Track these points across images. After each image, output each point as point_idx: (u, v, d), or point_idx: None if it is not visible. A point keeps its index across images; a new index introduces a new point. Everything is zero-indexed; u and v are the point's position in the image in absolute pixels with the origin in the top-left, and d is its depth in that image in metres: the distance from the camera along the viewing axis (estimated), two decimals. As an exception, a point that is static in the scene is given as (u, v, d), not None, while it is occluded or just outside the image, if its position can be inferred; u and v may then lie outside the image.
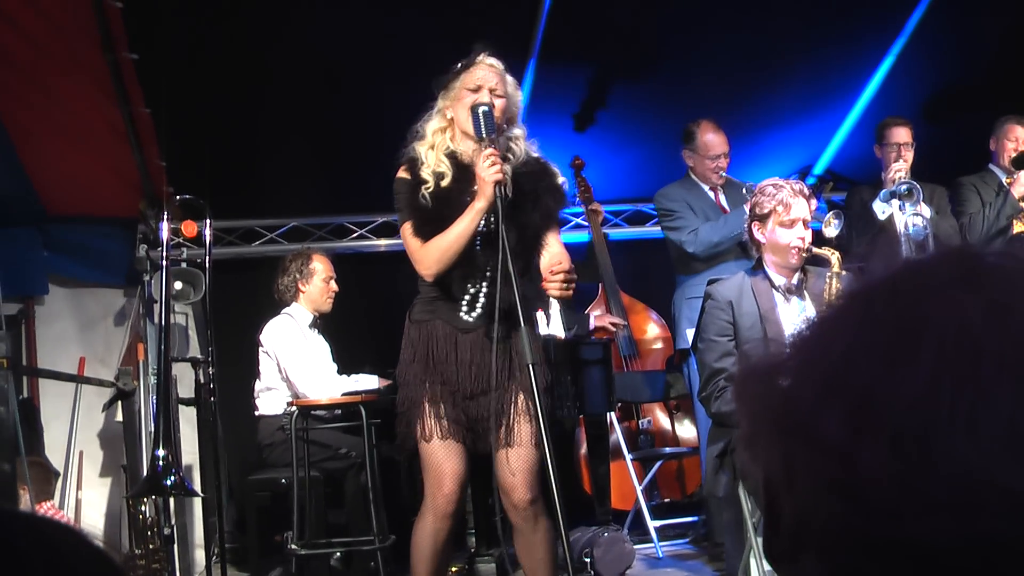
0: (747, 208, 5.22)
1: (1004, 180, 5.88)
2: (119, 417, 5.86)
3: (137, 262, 6.25)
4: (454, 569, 5.08)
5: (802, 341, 0.76)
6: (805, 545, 0.72)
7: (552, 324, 5.70)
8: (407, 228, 3.53)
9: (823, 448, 0.69)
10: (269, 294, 5.79)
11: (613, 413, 5.84)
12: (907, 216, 5.52)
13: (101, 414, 6.14)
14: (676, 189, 5.76)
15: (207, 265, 5.16)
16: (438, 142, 3.54)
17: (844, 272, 4.13)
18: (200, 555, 6.00)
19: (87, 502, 6.11)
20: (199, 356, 5.78)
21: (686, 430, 6.52)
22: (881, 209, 5.64)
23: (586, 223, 6.64)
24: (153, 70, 5.16)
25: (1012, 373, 0.66)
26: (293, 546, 4.92)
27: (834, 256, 4.16)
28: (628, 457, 6.01)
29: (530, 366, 3.23)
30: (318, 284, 5.72)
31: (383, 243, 6.88)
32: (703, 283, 5.10)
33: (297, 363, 5.53)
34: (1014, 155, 5.82)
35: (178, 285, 5.75)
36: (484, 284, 3.51)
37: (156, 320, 5.68)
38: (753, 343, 4.00)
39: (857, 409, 0.69)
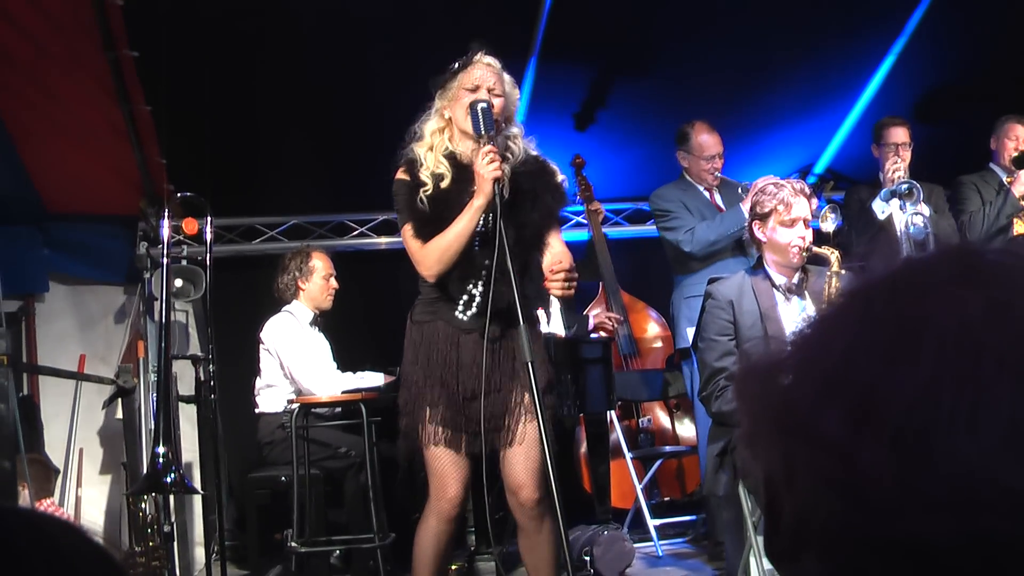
0: (743, 206, 5.26)
1: (1004, 179, 5.88)
2: (119, 415, 5.86)
3: (137, 260, 6.24)
4: (454, 567, 5.08)
5: (802, 339, 0.76)
6: (806, 544, 0.72)
7: (552, 323, 5.70)
8: (407, 230, 3.51)
9: (823, 446, 0.69)
10: (269, 292, 5.80)
11: (613, 412, 5.84)
12: (908, 215, 5.52)
13: (101, 412, 6.14)
14: (671, 190, 5.76)
15: (208, 263, 5.16)
16: (436, 143, 3.53)
17: (844, 271, 4.13)
18: (200, 553, 6.00)
19: (87, 499, 6.12)
20: (199, 354, 5.79)
21: (686, 429, 6.52)
22: (880, 208, 5.64)
23: (586, 222, 6.63)
24: (154, 68, 5.16)
25: (1013, 371, 0.66)
26: (293, 544, 4.92)
27: (834, 255, 4.16)
28: (628, 456, 6.01)
29: (528, 364, 3.22)
30: (318, 282, 5.73)
31: (383, 241, 6.89)
32: (701, 282, 5.11)
33: (302, 360, 5.53)
34: (1015, 154, 5.82)
35: (178, 283, 5.75)
36: (481, 284, 3.50)
37: (156, 318, 5.68)
38: (754, 342, 4.01)
39: (857, 407, 0.69)
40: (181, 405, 5.64)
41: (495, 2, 5.81)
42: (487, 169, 3.33)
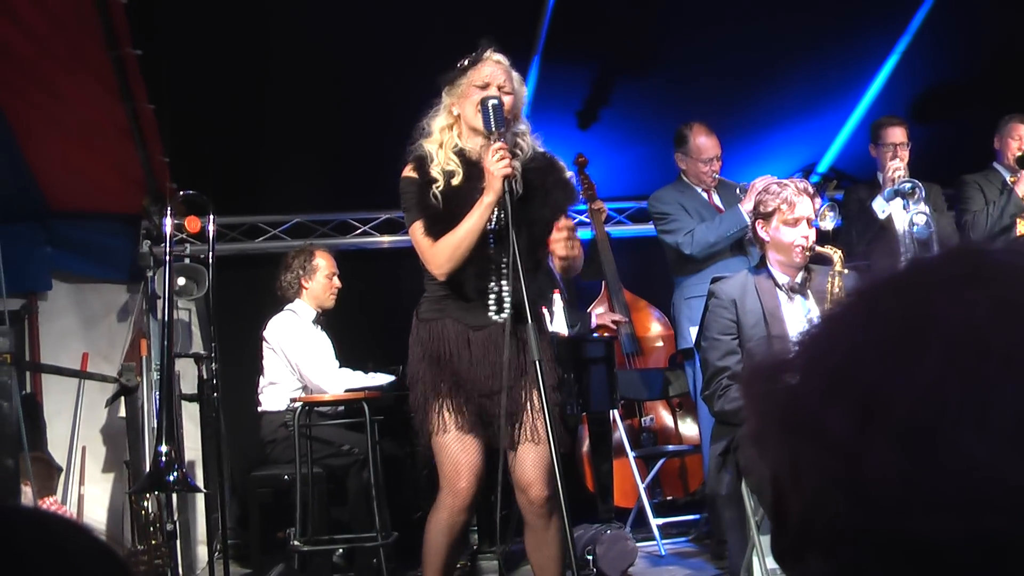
0: (742, 207, 5.26)
1: (1008, 179, 5.88)
2: (122, 413, 5.86)
3: (140, 258, 6.24)
4: (457, 565, 5.08)
5: (809, 339, 0.76)
6: (811, 543, 0.72)
7: (555, 322, 5.70)
8: (417, 228, 3.48)
9: (829, 446, 0.69)
10: (272, 290, 5.80)
11: (616, 411, 5.84)
12: (911, 215, 5.52)
13: (104, 410, 6.15)
14: (669, 192, 5.75)
15: (211, 261, 5.16)
16: (446, 139, 3.51)
17: (846, 271, 4.13)
18: (202, 551, 6.00)
19: (89, 498, 6.12)
20: (202, 352, 5.78)
21: (689, 428, 6.52)
22: (881, 208, 5.64)
23: (589, 221, 6.63)
24: (156, 66, 5.16)
25: (1019, 371, 0.66)
26: (295, 542, 4.92)
27: (837, 255, 4.16)
28: (631, 455, 6.01)
29: (537, 362, 3.22)
30: (321, 280, 5.73)
31: (386, 239, 6.89)
32: (701, 282, 5.12)
33: (309, 358, 5.53)
34: (1018, 154, 5.82)
35: (181, 281, 5.76)
36: (503, 282, 3.47)
37: (159, 316, 5.68)
38: (757, 341, 4.01)
39: (863, 406, 0.69)
40: (184, 403, 5.65)
41: (499, 2, 5.81)
42: (497, 166, 3.32)
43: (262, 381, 5.67)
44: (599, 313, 6.43)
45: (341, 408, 5.41)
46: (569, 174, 3.65)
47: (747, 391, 0.79)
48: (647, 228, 6.97)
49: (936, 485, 0.66)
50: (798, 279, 4.20)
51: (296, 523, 4.95)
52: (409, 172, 3.54)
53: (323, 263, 5.76)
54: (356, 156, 6.35)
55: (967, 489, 0.65)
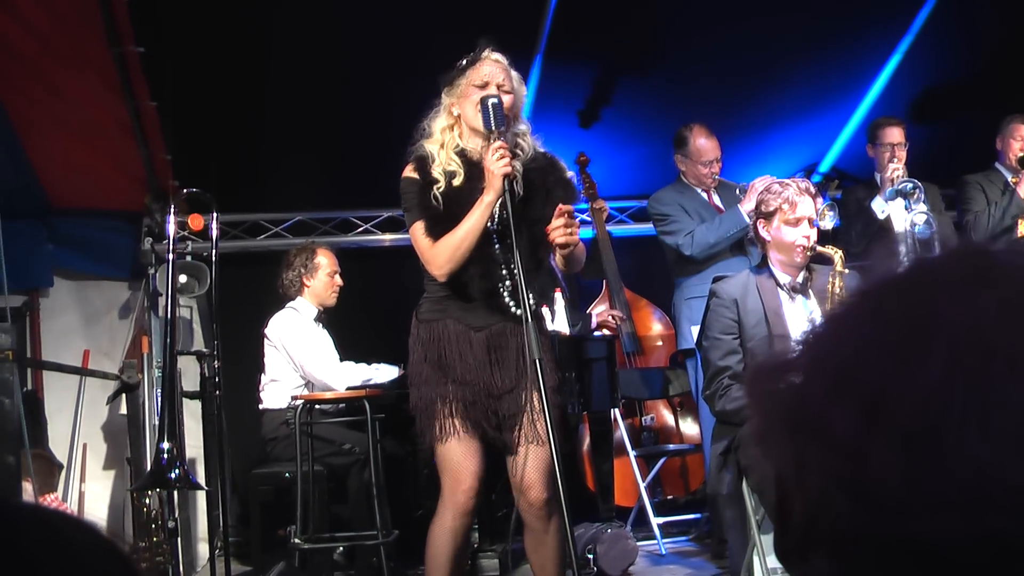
0: (741, 207, 5.26)
1: (1010, 179, 5.88)
2: (123, 410, 5.87)
3: (142, 255, 6.25)
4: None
5: (813, 338, 0.76)
6: (815, 543, 0.72)
7: (556, 321, 5.70)
8: (418, 228, 3.47)
9: (833, 445, 0.69)
10: (273, 288, 5.80)
11: (617, 410, 5.84)
12: (913, 215, 5.52)
13: (105, 407, 6.15)
14: (669, 193, 5.75)
15: (213, 259, 5.16)
16: (447, 140, 3.50)
17: (847, 271, 4.14)
18: (203, 548, 6.01)
19: (90, 495, 6.13)
20: (204, 350, 5.79)
21: (689, 427, 6.52)
22: (880, 208, 5.65)
23: (590, 220, 6.63)
24: (159, 64, 5.17)
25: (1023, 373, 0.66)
26: (296, 540, 4.93)
27: (837, 255, 4.16)
28: (632, 454, 6.02)
29: (537, 362, 3.21)
30: (323, 278, 5.73)
31: (388, 238, 6.89)
32: (701, 283, 5.12)
33: (312, 355, 5.54)
34: (1020, 154, 5.82)
35: (183, 279, 5.76)
36: (515, 279, 3.46)
37: (161, 313, 5.68)
38: (758, 341, 4.01)
39: (868, 407, 0.69)
40: (185, 401, 5.65)
41: (502, 2, 5.81)
42: (497, 165, 3.31)
43: (263, 379, 5.67)
44: (599, 311, 6.43)
45: (342, 406, 5.41)
46: (570, 174, 3.64)
47: (751, 390, 0.79)
48: (648, 227, 6.96)
49: (940, 486, 0.66)
50: (800, 279, 4.20)
51: (297, 521, 4.95)
52: (410, 172, 3.53)
53: (325, 261, 5.75)
54: (358, 154, 6.35)
55: (971, 490, 0.65)
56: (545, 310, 3.85)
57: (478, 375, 3.46)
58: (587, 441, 6.04)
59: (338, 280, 5.80)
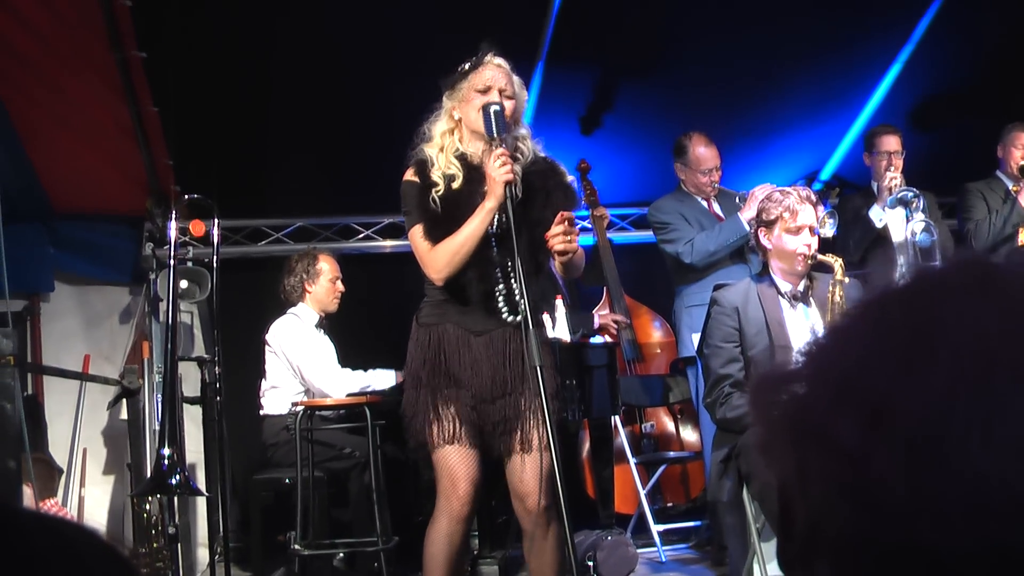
0: (741, 215, 5.27)
1: (1011, 188, 5.87)
2: (123, 415, 5.87)
3: (143, 260, 6.25)
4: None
5: (816, 348, 0.77)
6: (818, 551, 0.72)
7: (557, 327, 5.70)
8: (417, 232, 3.47)
9: (837, 454, 0.70)
10: (275, 294, 5.80)
11: (617, 417, 5.84)
12: (913, 223, 5.51)
13: (105, 412, 6.15)
14: (669, 201, 5.75)
15: (214, 264, 5.16)
16: (447, 144, 3.50)
17: (847, 279, 4.14)
18: (203, 554, 6.01)
19: (90, 499, 6.12)
20: (204, 355, 5.79)
21: (690, 434, 6.52)
22: (878, 216, 5.65)
23: (591, 227, 6.63)
24: (161, 69, 5.17)
25: (1026, 382, 0.67)
26: (296, 546, 4.92)
27: (838, 263, 4.16)
28: (632, 461, 6.01)
29: (538, 369, 3.21)
30: (324, 284, 5.73)
31: (389, 244, 6.89)
32: (702, 291, 5.12)
33: (312, 361, 5.54)
34: (1021, 162, 5.82)
35: (183, 284, 5.76)
36: (511, 283, 3.45)
37: (162, 319, 5.68)
38: (760, 350, 4.01)
39: (871, 415, 0.69)
40: (186, 406, 5.65)
41: (504, 6, 5.82)
42: (499, 172, 3.31)
43: (264, 384, 5.67)
44: (602, 314, 6.43)
45: (343, 412, 5.41)
46: (570, 178, 3.64)
47: (754, 400, 0.80)
48: (649, 235, 6.97)
49: (943, 494, 0.66)
50: (800, 287, 4.20)
51: (297, 526, 4.95)
52: (410, 176, 3.53)
53: (326, 267, 5.76)
54: (359, 160, 6.35)
55: (973, 498, 0.65)
56: (546, 317, 3.83)
57: (477, 379, 3.45)
58: (587, 447, 6.04)
59: (340, 286, 5.80)
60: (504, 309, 3.46)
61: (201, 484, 5.58)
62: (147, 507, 5.39)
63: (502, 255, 3.44)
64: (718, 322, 4.18)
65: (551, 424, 3.19)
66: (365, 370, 5.71)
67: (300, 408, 5.06)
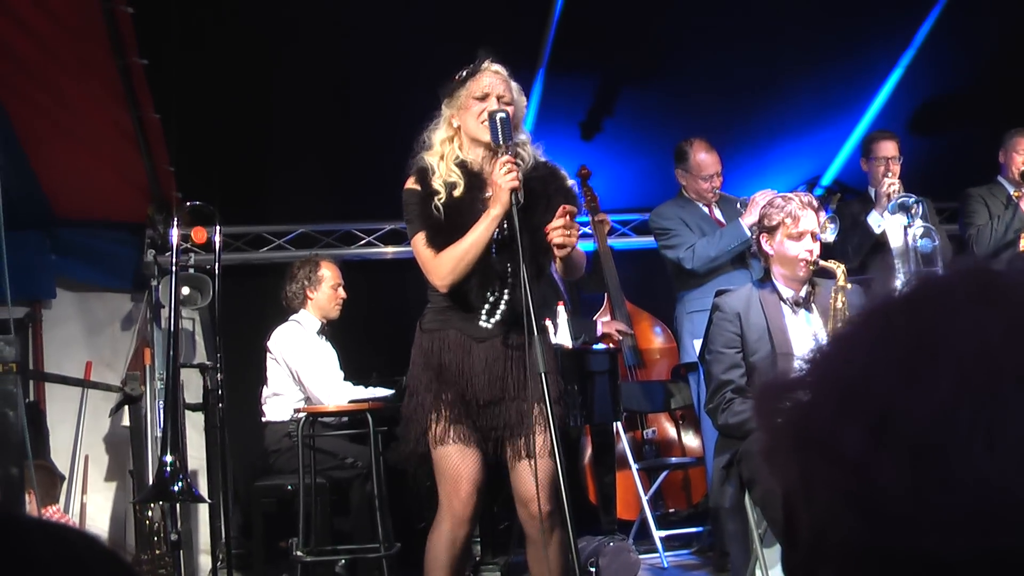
0: (742, 221, 5.27)
1: (1012, 193, 5.87)
2: (125, 422, 5.87)
3: (145, 267, 6.25)
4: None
5: (821, 355, 0.77)
6: (823, 559, 0.72)
7: (559, 333, 5.70)
8: (419, 239, 3.47)
9: (841, 462, 0.70)
10: (276, 300, 5.80)
11: (619, 423, 5.84)
12: (914, 229, 5.51)
13: (107, 419, 6.15)
14: (670, 207, 5.76)
15: (216, 271, 5.16)
16: (447, 151, 3.51)
17: (849, 286, 4.14)
18: (205, 560, 6.00)
19: (92, 506, 6.12)
20: (206, 362, 5.79)
21: (691, 440, 6.51)
22: (876, 222, 5.65)
23: (592, 233, 6.64)
24: (163, 75, 5.18)
25: (1031, 389, 0.67)
26: (298, 553, 4.92)
27: (839, 269, 4.16)
28: (634, 467, 6.01)
29: (542, 375, 3.21)
30: (326, 291, 5.73)
31: (390, 250, 6.90)
32: (703, 297, 5.12)
33: (312, 369, 5.54)
34: (1023, 168, 5.82)
35: (185, 290, 5.76)
36: (506, 291, 3.47)
37: (164, 325, 5.68)
38: (763, 357, 4.01)
39: (875, 423, 0.69)
40: (187, 413, 5.64)
41: (504, 14, 5.83)
42: (505, 179, 3.31)
43: (266, 391, 5.67)
44: (605, 321, 6.43)
45: (345, 419, 5.41)
46: (571, 182, 3.65)
47: (758, 408, 0.80)
48: (650, 240, 6.97)
49: (947, 502, 0.66)
50: (803, 293, 4.20)
51: (299, 533, 4.94)
52: (411, 184, 3.54)
53: (328, 273, 5.76)
54: (361, 167, 6.36)
55: (978, 506, 0.65)
56: (548, 323, 3.84)
57: (479, 385, 3.46)
58: (589, 453, 6.03)
59: (341, 293, 5.80)
60: (484, 315, 3.48)
61: (203, 491, 5.58)
62: (149, 514, 5.39)
63: (502, 261, 3.45)
64: (720, 328, 4.18)
65: (555, 430, 3.19)
66: (366, 386, 5.70)
67: (302, 415, 5.06)
